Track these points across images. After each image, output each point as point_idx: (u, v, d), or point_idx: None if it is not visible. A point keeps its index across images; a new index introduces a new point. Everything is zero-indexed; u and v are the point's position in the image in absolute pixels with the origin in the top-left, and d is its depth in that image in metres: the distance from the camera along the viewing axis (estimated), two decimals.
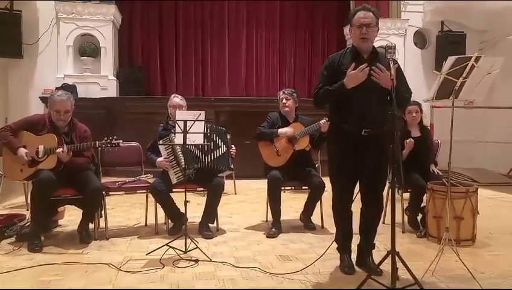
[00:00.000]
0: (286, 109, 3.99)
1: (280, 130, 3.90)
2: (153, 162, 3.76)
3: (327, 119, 3.21)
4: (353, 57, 2.71)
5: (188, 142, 3.25)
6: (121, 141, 3.53)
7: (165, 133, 3.74)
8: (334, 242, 2.94)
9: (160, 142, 3.69)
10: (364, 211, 2.88)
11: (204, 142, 3.38)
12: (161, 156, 3.71)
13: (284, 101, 3.98)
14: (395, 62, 2.55)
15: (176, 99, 3.97)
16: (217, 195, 3.75)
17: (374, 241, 2.94)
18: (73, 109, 3.55)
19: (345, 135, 2.71)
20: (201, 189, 3.88)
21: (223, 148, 3.76)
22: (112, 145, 3.49)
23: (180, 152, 3.62)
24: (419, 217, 3.88)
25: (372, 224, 2.89)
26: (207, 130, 3.61)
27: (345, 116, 2.70)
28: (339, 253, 2.93)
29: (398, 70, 2.62)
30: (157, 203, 3.75)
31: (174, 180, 3.66)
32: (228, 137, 3.85)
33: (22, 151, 3.39)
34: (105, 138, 3.49)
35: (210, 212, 3.77)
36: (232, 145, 3.92)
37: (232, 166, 3.91)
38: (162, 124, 3.92)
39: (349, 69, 2.60)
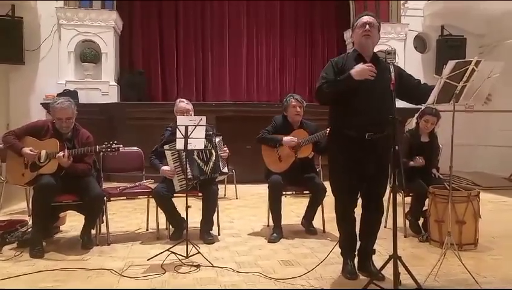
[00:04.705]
0: (298, 117, 3.93)
1: (285, 139, 3.84)
2: (157, 168, 3.73)
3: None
4: (356, 61, 2.73)
5: (189, 147, 3.24)
6: (121, 145, 3.54)
7: (173, 138, 3.61)
8: (338, 247, 2.94)
9: (167, 147, 3.65)
10: (366, 216, 2.89)
11: (205, 147, 3.38)
12: (165, 160, 3.69)
13: (298, 109, 3.89)
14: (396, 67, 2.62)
15: (182, 104, 3.93)
16: (212, 201, 3.73)
17: (375, 247, 2.93)
18: (76, 114, 3.56)
19: (348, 141, 2.70)
20: (201, 195, 3.87)
21: (214, 154, 3.73)
22: (112, 150, 3.50)
23: (186, 162, 3.47)
24: (420, 222, 3.88)
25: (373, 229, 2.90)
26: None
27: (349, 121, 2.70)
28: (342, 258, 2.92)
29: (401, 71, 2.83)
30: (159, 208, 3.74)
31: (177, 188, 3.63)
32: (218, 140, 3.80)
33: (27, 149, 3.40)
34: (106, 143, 3.51)
35: (207, 219, 3.75)
36: (225, 147, 3.87)
37: (224, 170, 3.85)
38: (169, 128, 3.84)
39: (357, 66, 2.62)
